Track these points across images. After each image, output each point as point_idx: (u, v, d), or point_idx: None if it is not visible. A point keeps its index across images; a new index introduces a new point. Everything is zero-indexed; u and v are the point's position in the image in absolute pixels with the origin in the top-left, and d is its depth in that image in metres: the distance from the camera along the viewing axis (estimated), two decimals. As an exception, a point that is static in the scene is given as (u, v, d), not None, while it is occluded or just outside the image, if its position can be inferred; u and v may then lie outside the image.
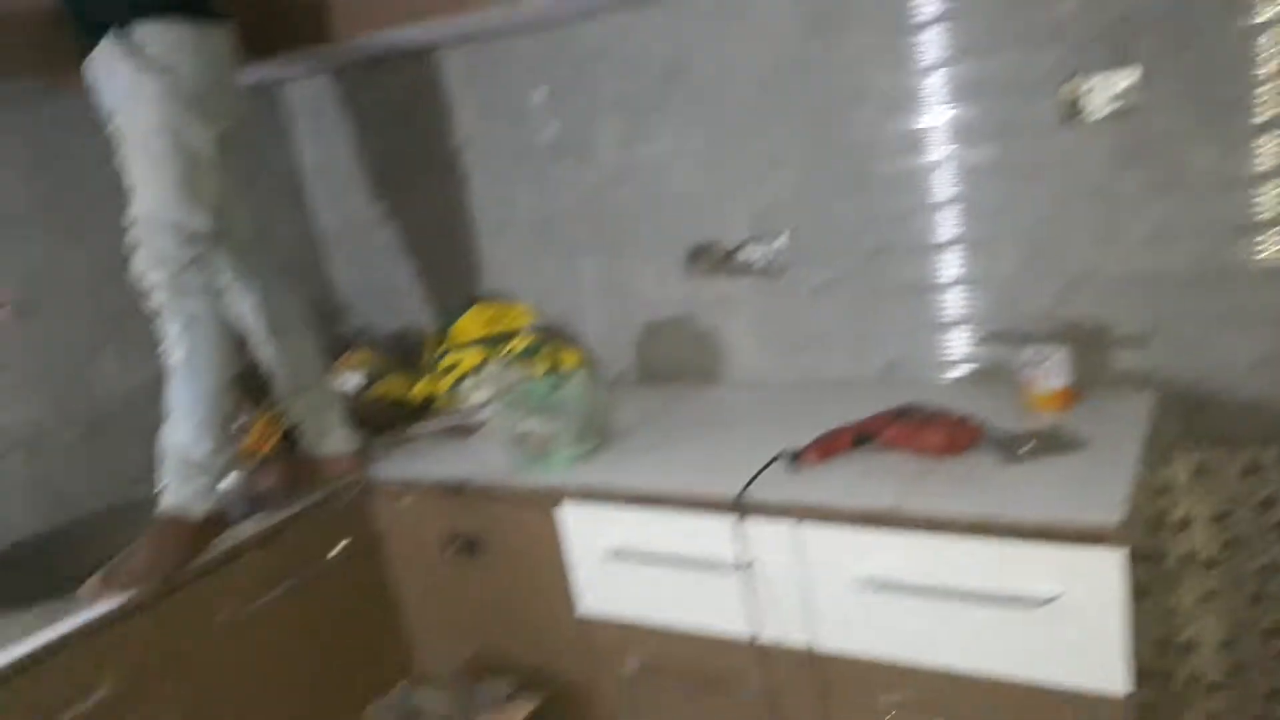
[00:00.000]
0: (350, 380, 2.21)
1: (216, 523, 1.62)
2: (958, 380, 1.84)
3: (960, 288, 1.80)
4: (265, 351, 1.81)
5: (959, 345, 1.83)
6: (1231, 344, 1.59)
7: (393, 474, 1.86)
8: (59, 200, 1.93)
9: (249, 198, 1.76)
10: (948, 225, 1.78)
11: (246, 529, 1.69)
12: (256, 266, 1.77)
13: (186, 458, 1.57)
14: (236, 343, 1.69)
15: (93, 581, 1.47)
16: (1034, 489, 1.31)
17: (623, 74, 2.01)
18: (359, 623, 1.85)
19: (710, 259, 2.05)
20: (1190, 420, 1.63)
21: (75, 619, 1.42)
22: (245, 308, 1.77)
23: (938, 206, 1.77)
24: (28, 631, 1.39)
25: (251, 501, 1.83)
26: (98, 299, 1.96)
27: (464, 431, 2.01)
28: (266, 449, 1.97)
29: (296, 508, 1.77)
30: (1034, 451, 1.38)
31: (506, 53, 2.14)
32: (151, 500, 1.61)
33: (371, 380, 2.23)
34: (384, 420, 2.11)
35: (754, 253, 1.99)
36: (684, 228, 2.05)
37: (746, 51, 1.87)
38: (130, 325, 1.88)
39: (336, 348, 2.33)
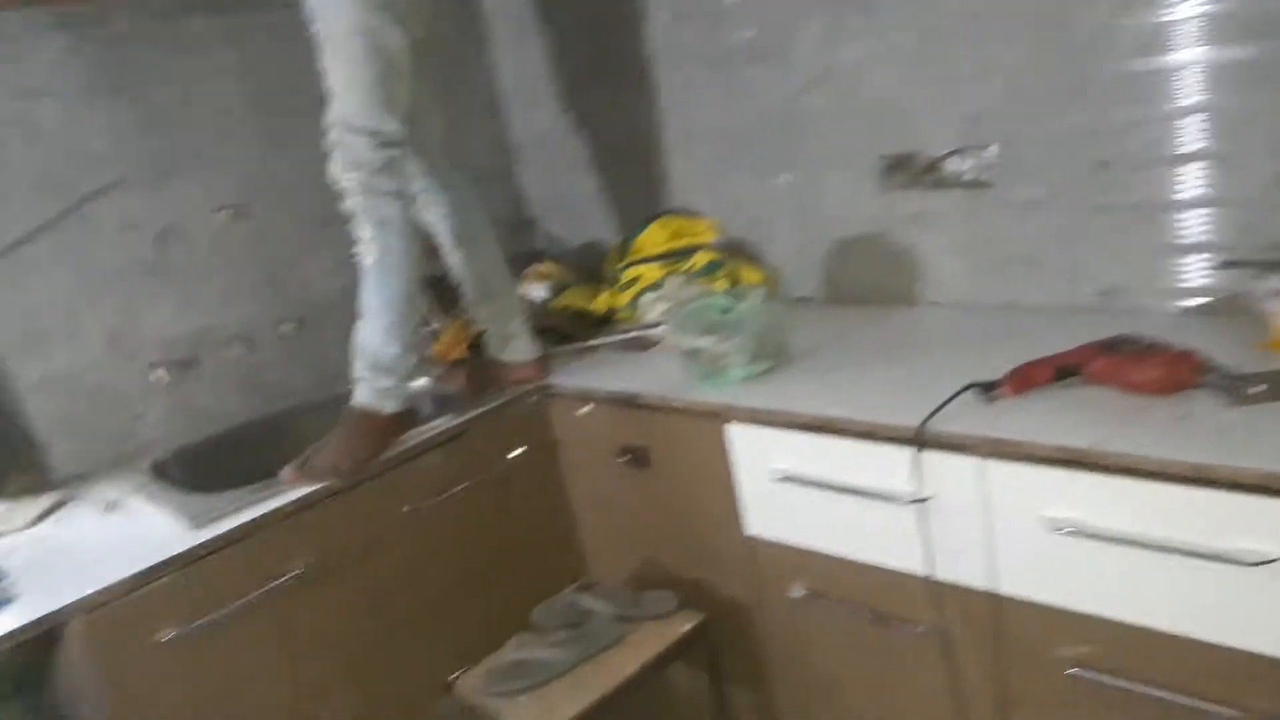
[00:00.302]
0: (536, 290, 2.25)
1: (404, 420, 1.70)
2: (1186, 312, 1.63)
3: (1196, 208, 1.58)
4: (453, 259, 1.86)
5: (1190, 272, 1.61)
6: None
7: (571, 383, 1.88)
8: (269, 106, 2.05)
9: (443, 106, 1.79)
10: (1185, 137, 1.55)
11: (433, 428, 1.76)
12: (447, 175, 1.81)
13: (376, 359, 1.64)
14: (427, 248, 1.74)
15: (288, 469, 1.58)
16: (1260, 437, 1.14)
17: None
18: (533, 525, 1.91)
19: (910, 171, 1.91)
20: None
21: (276, 501, 1.54)
22: (435, 215, 1.82)
23: (1174, 115, 1.55)
24: (239, 508, 1.52)
25: (439, 403, 1.91)
26: (305, 203, 2.07)
27: (642, 345, 2.01)
28: (455, 354, 2.04)
29: (479, 411, 1.83)
30: (1267, 394, 1.20)
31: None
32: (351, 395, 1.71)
33: (556, 291, 2.26)
34: (566, 331, 2.13)
35: (959, 165, 1.84)
36: (883, 138, 1.91)
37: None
38: (335, 229, 1.97)
39: (525, 259, 2.37)
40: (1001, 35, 1.69)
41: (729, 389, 1.65)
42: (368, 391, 1.66)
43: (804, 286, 2.15)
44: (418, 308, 1.71)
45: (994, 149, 1.77)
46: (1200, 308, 1.62)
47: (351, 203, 1.63)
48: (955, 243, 1.89)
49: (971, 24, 1.72)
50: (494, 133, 2.57)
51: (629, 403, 1.76)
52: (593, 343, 2.08)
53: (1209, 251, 1.58)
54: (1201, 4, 1.48)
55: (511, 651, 1.59)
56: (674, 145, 2.28)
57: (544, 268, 2.33)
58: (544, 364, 1.94)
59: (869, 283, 2.04)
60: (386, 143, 1.60)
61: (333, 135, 1.62)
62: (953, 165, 1.84)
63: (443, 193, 1.81)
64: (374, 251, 1.63)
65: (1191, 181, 1.57)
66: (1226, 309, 1.58)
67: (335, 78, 1.60)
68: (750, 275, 2.13)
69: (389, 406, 1.66)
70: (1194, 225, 1.59)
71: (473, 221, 1.85)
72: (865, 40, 1.87)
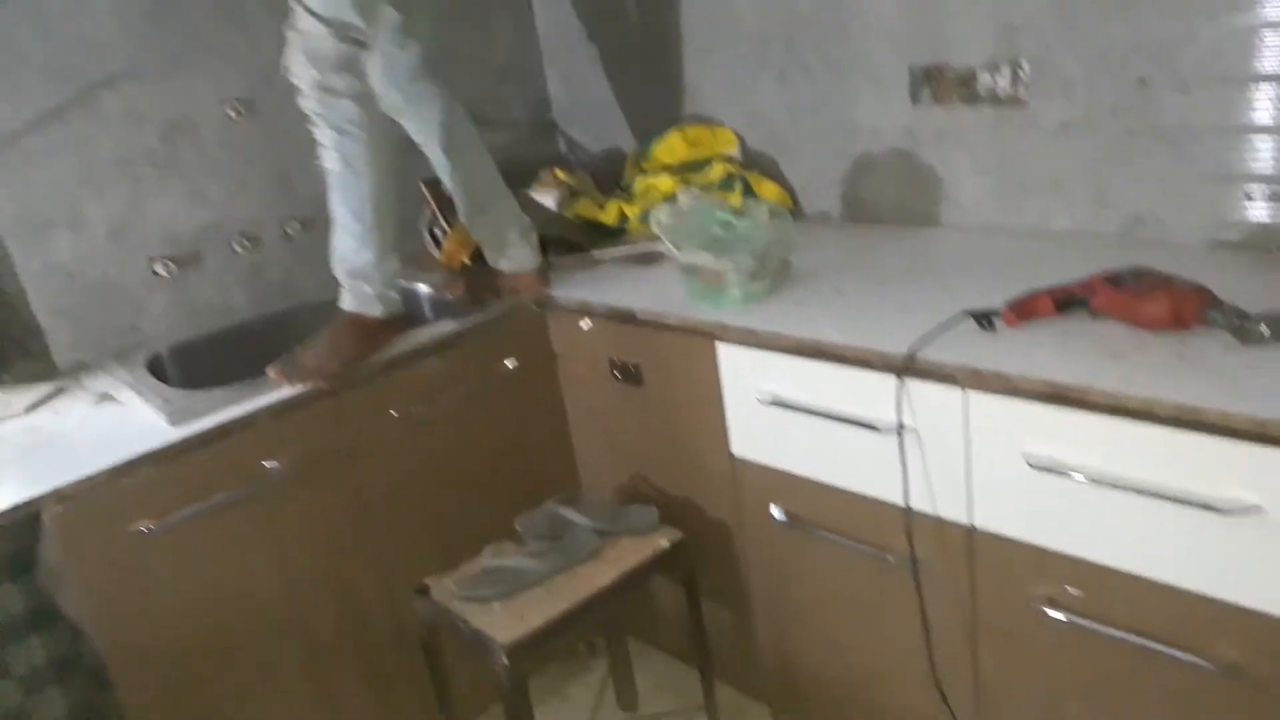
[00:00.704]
0: (547, 197, 2.19)
1: (393, 325, 1.69)
2: (1216, 246, 1.52)
3: (1237, 134, 1.45)
4: (442, 171, 1.79)
5: (1225, 204, 1.50)
6: None
7: (572, 295, 1.84)
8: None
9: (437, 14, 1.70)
10: (1234, 56, 1.42)
11: (427, 334, 1.75)
12: (430, 85, 1.70)
13: (352, 267, 1.61)
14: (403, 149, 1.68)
15: (273, 367, 1.58)
16: (1256, 381, 1.07)
17: None
18: (524, 436, 1.90)
19: (941, 84, 1.80)
20: None
21: (260, 400, 1.54)
22: (419, 126, 1.73)
23: (1224, 32, 1.42)
24: (221, 405, 1.52)
25: (437, 308, 1.89)
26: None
27: (648, 259, 1.95)
28: (458, 259, 2.01)
29: (476, 319, 1.81)
30: (1272, 337, 1.11)
31: None
32: (343, 296, 1.69)
33: (569, 199, 2.20)
34: (574, 240, 2.08)
35: (991, 80, 1.72)
36: (916, 47, 1.80)
37: None
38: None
39: (543, 162, 2.31)
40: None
41: (726, 308, 1.60)
42: (352, 297, 1.64)
43: (824, 202, 2.06)
44: (391, 211, 1.64)
45: (1028, 64, 1.65)
46: (1232, 243, 1.51)
47: (306, 105, 1.56)
48: (982, 162, 1.78)
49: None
50: (520, 29, 2.48)
51: (626, 318, 1.71)
52: (598, 255, 2.02)
53: (1248, 182, 1.46)
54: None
55: (486, 559, 1.59)
56: (700, 50, 2.17)
57: (559, 173, 2.26)
58: (544, 275, 1.90)
59: (890, 201, 1.95)
60: (350, 38, 1.51)
61: (295, 21, 1.52)
62: (985, 80, 1.73)
63: (428, 103, 1.70)
64: (336, 159, 1.56)
65: (1234, 105, 1.45)
66: (1259, 244, 1.47)
67: None
68: (768, 190, 2.04)
69: (375, 310, 1.64)
70: (1231, 153, 1.47)
71: (459, 132, 1.75)
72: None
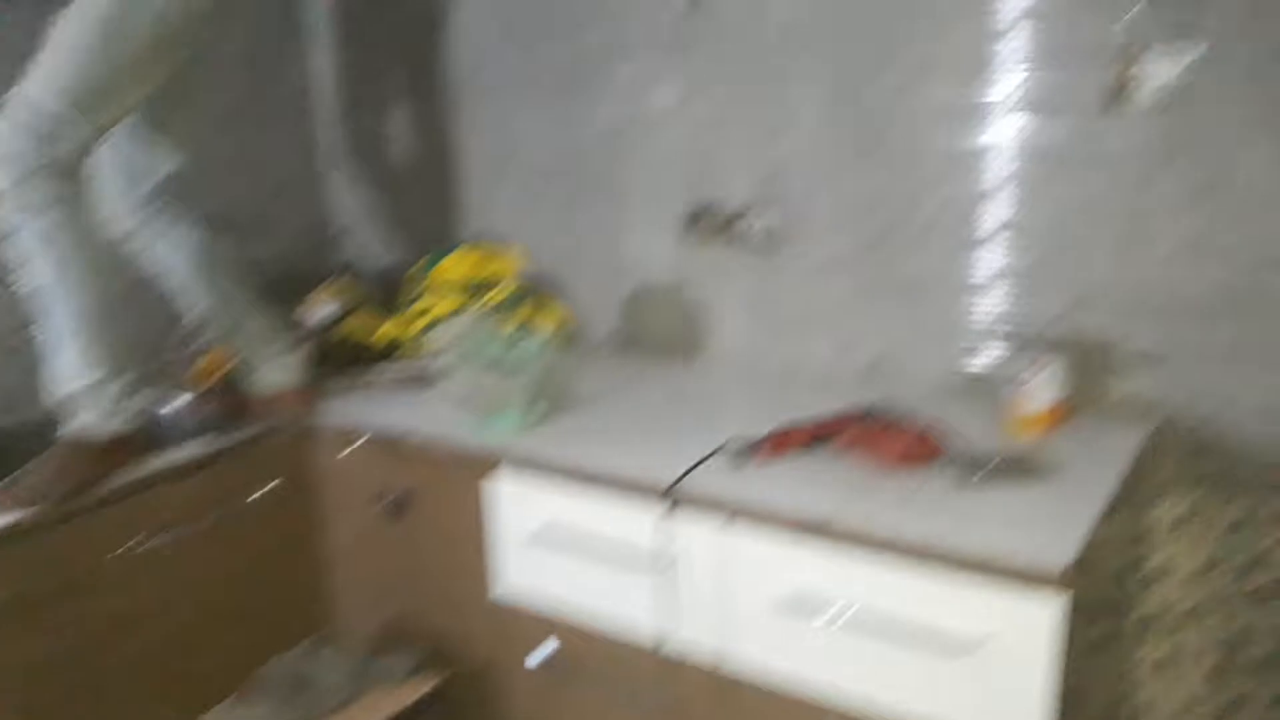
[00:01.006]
0: (321, 311, 2.11)
1: (129, 447, 1.54)
2: (950, 387, 1.66)
3: (962, 287, 1.62)
4: (193, 291, 1.69)
5: (953, 348, 1.65)
6: (1245, 383, 1.40)
7: (337, 418, 1.76)
8: None
9: (189, 136, 1.62)
10: (960, 214, 1.59)
11: (170, 458, 1.61)
12: (176, 207, 1.63)
13: (77, 387, 1.47)
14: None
15: (-10, 492, 1.40)
16: (983, 518, 1.16)
17: (650, 3, 1.84)
18: (278, 571, 1.76)
19: (708, 223, 1.90)
20: (1186, 462, 1.45)
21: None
22: (167, 249, 1.63)
23: (951, 192, 1.59)
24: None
25: (185, 430, 1.75)
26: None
27: (424, 380, 1.90)
28: (211, 378, 1.89)
29: (228, 442, 1.68)
30: (993, 475, 1.21)
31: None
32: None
33: (344, 314, 2.13)
34: (346, 360, 2.01)
35: (753, 221, 1.83)
36: (688, 186, 1.90)
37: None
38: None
39: (324, 274, 2.24)
40: (804, 95, 1.71)
41: (502, 434, 1.57)
42: (80, 416, 1.49)
43: (602, 330, 2.10)
44: (115, 324, 1.49)
45: (787, 208, 1.78)
46: (963, 384, 1.65)
47: (5, 215, 1.37)
48: (744, 299, 1.88)
49: (778, 80, 1.73)
50: (302, 136, 2.42)
51: (393, 444, 1.65)
52: (370, 375, 1.96)
53: (970, 329, 1.62)
54: (983, 84, 1.52)
55: (223, 714, 1.44)
56: (488, 172, 2.20)
57: (335, 287, 2.20)
58: (309, 396, 1.81)
59: (662, 333, 2.02)
60: (73, 140, 1.36)
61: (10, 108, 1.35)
62: (748, 221, 1.84)
63: (171, 221, 1.62)
64: (48, 270, 1.40)
65: (959, 259, 1.61)
66: (981, 387, 1.62)
67: (59, 35, 1.36)
68: (548, 314, 2.06)
69: (105, 431, 1.49)
70: (957, 302, 1.63)
71: (206, 251, 1.66)
72: (678, 82, 1.85)
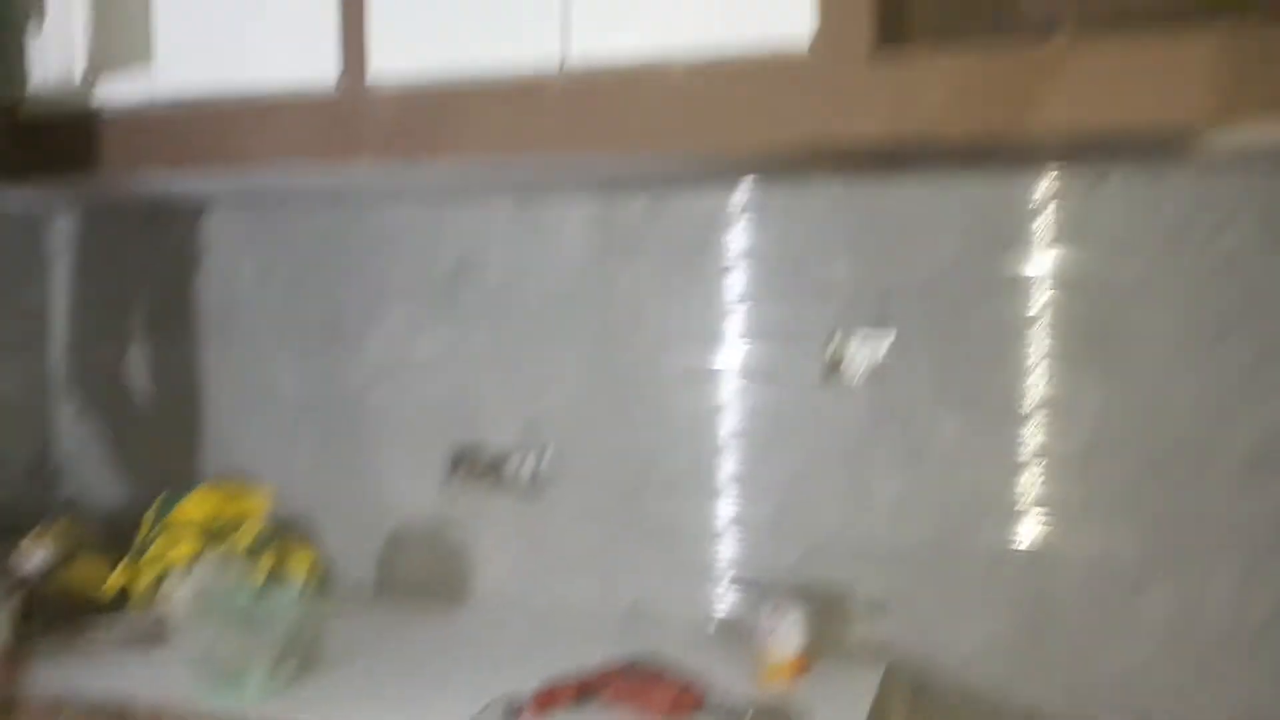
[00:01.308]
0: (34, 559, 1.90)
1: None
2: (706, 633, 1.76)
3: (709, 535, 1.76)
4: None
5: (704, 593, 1.76)
6: (958, 629, 1.59)
7: (47, 686, 1.56)
8: None
9: None
10: (704, 469, 1.75)
11: None
12: None
13: None
14: None
15: None
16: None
17: (414, 262, 1.95)
18: None
19: (472, 467, 1.94)
20: (914, 704, 1.60)
21: None
22: None
23: (698, 449, 1.75)
24: None
25: None
26: None
27: (153, 639, 1.74)
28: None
29: (-94, 721, 1.45)
30: (751, 727, 1.29)
31: (293, 222, 2.04)
32: None
33: (62, 561, 1.93)
34: (62, 614, 1.80)
35: (516, 465, 1.90)
36: (450, 431, 1.94)
37: (539, 260, 1.85)
38: None
39: (41, 515, 2.03)
40: (565, 347, 1.84)
41: (246, 698, 1.45)
42: None
43: (357, 575, 2.04)
44: None
45: (547, 455, 1.86)
46: (719, 630, 1.75)
47: None
48: (506, 542, 1.92)
49: (541, 332, 1.86)
50: (29, 364, 2.26)
51: (116, 716, 1.48)
52: (93, 631, 1.77)
53: (716, 576, 1.75)
54: (723, 354, 1.72)
55: None
56: (235, 408, 2.14)
57: (52, 529, 1.99)
58: (15, 659, 1.60)
59: (423, 577, 1.99)
60: None
61: None
62: (511, 465, 1.90)
63: None
64: None
65: (705, 509, 1.76)
66: (733, 633, 1.72)
67: None
68: (301, 559, 1.97)
69: None
70: (705, 550, 1.76)
71: None
72: (441, 334, 1.93)
